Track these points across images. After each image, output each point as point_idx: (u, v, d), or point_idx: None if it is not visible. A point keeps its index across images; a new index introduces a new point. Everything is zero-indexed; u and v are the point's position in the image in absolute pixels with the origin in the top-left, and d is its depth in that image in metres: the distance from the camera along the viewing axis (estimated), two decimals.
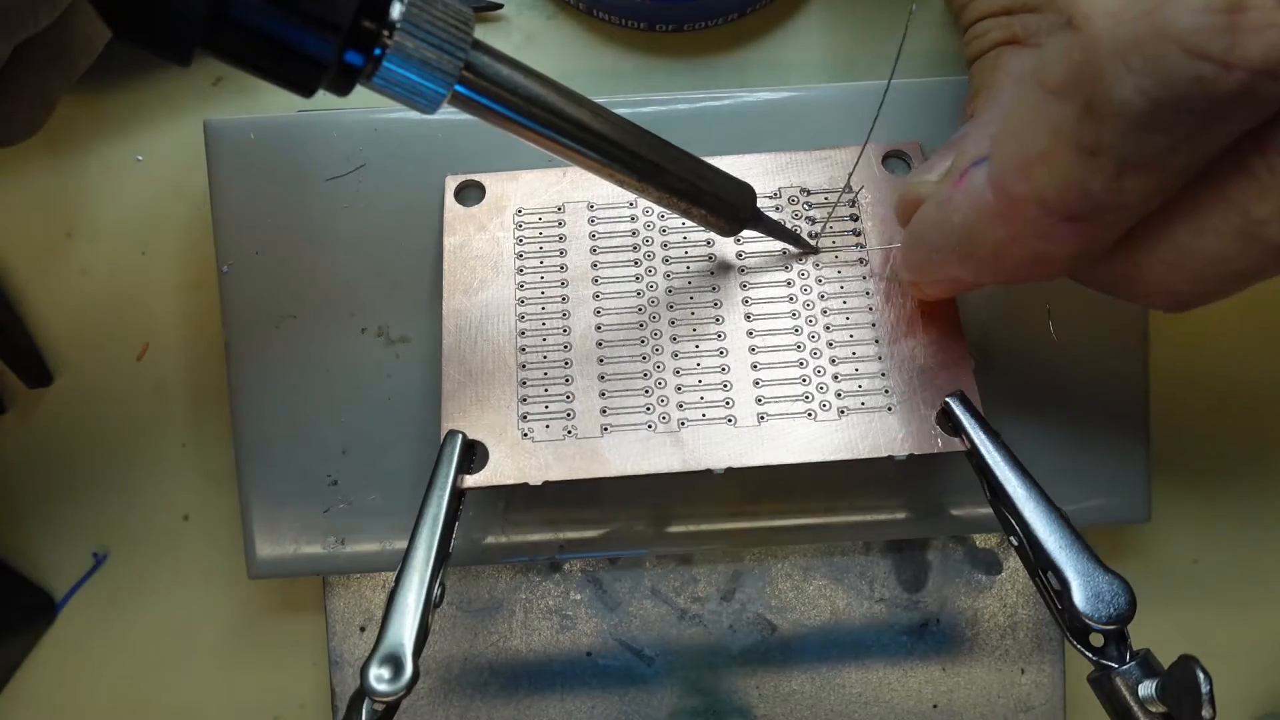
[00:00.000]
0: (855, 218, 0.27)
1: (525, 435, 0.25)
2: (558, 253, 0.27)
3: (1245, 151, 0.17)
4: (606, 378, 0.25)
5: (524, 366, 0.26)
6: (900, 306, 0.26)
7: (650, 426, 0.25)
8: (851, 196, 0.28)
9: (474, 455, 0.25)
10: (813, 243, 0.27)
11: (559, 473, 0.24)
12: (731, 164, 0.27)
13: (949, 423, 0.25)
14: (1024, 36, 0.23)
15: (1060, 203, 0.19)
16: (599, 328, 0.26)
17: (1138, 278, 0.20)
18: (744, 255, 0.27)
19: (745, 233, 0.26)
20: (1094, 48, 0.17)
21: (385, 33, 0.18)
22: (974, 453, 0.24)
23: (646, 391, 0.25)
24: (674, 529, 0.29)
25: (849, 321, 0.26)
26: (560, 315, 0.26)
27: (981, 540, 0.31)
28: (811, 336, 0.26)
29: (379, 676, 0.21)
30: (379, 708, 0.21)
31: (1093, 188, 0.18)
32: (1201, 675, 0.19)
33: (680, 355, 0.26)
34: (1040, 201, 0.19)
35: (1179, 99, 0.16)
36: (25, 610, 0.32)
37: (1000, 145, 0.19)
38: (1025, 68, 0.23)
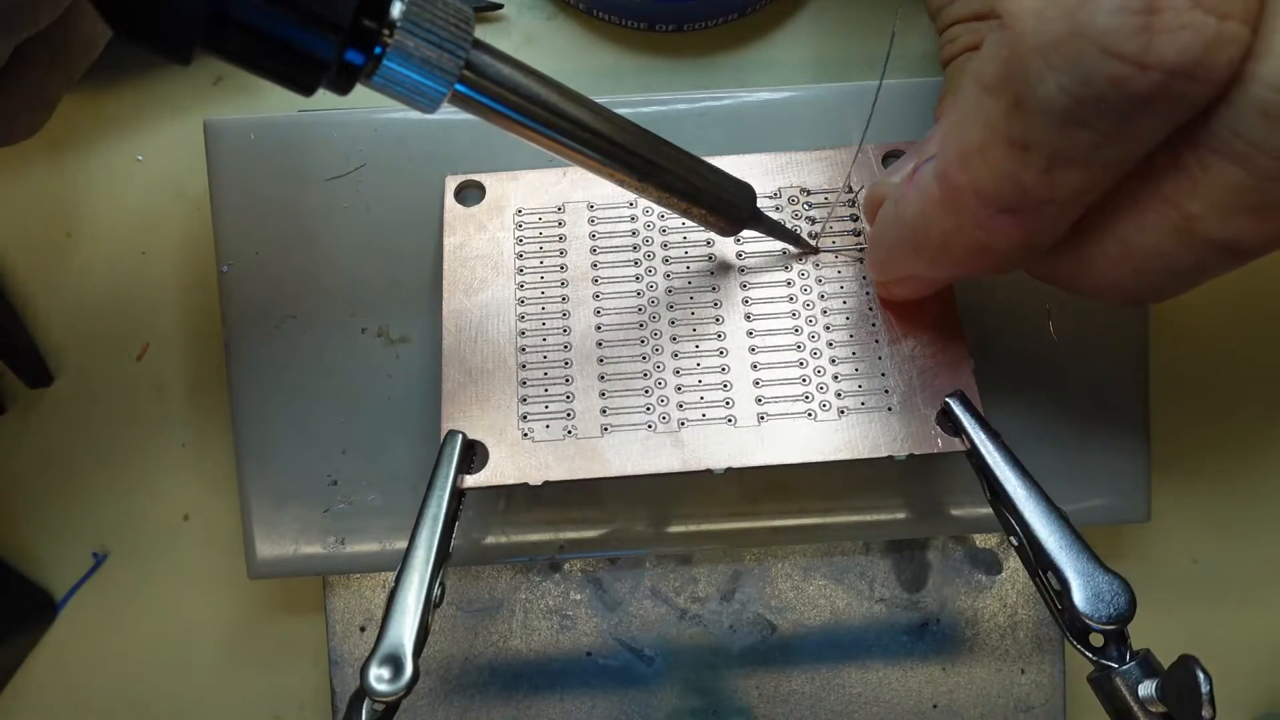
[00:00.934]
0: (855, 218, 0.27)
1: (525, 435, 0.25)
2: (558, 253, 0.27)
3: (1178, 147, 0.18)
4: (606, 378, 0.25)
5: (524, 366, 0.26)
6: (900, 306, 0.26)
7: (650, 426, 0.25)
8: (851, 197, 0.28)
9: (474, 455, 0.25)
10: (813, 243, 0.27)
11: (559, 473, 0.24)
12: (731, 164, 0.27)
13: (949, 423, 0.25)
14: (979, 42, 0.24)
15: (996, 194, 0.19)
16: (599, 328, 0.26)
17: (1086, 272, 0.21)
18: (744, 255, 0.27)
19: (745, 233, 0.26)
20: (1019, 45, 0.17)
21: (385, 31, 0.18)
22: (974, 453, 0.24)
23: (646, 391, 0.25)
24: (674, 529, 0.29)
25: (849, 321, 0.26)
26: (560, 315, 0.26)
27: (981, 540, 0.31)
28: (811, 336, 0.26)
29: (379, 676, 0.21)
30: (379, 708, 0.21)
31: (1025, 181, 0.18)
32: (1201, 675, 0.19)
33: (680, 355, 0.26)
34: (978, 193, 0.19)
35: (1097, 97, 0.16)
36: (25, 610, 0.32)
37: (944, 139, 0.20)
38: None
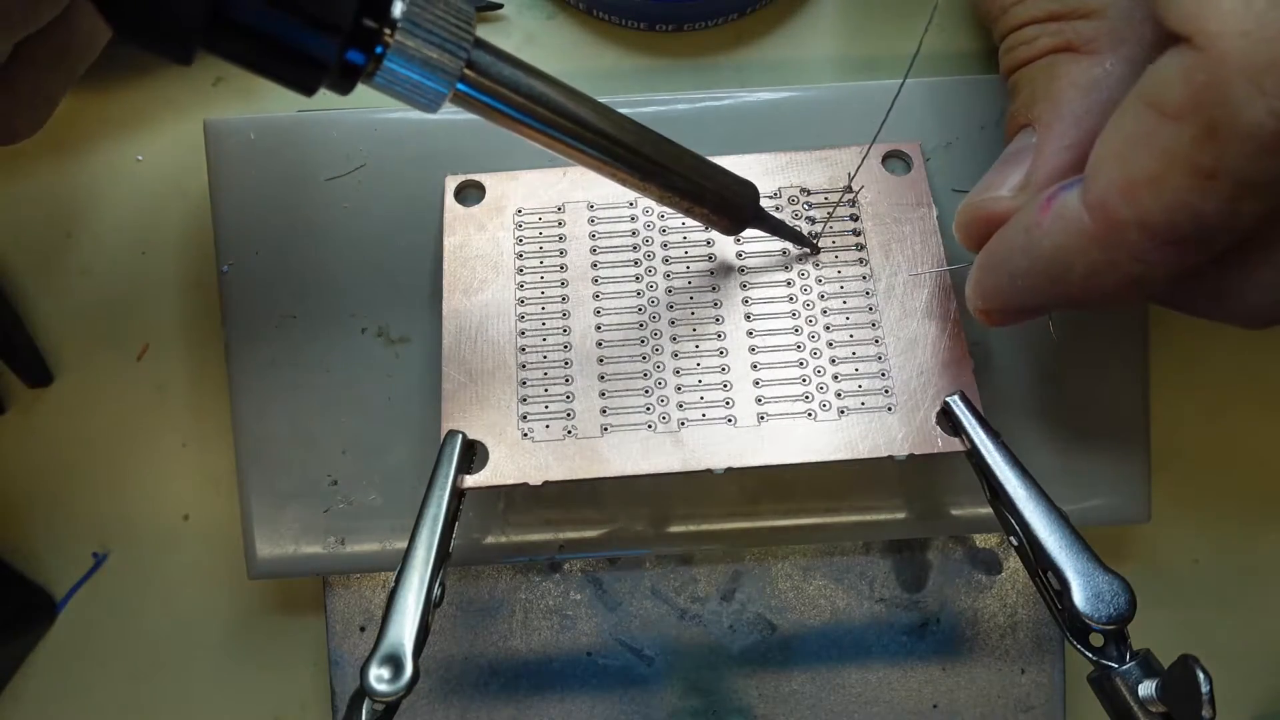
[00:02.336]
0: (855, 218, 0.27)
1: (525, 435, 0.25)
2: (558, 253, 0.27)
3: None
4: (606, 378, 0.25)
5: (524, 366, 0.26)
6: (900, 306, 0.26)
7: (650, 426, 0.25)
8: (851, 197, 0.28)
9: (474, 455, 0.25)
10: (815, 242, 0.27)
11: (559, 473, 0.24)
12: (731, 164, 0.27)
13: (949, 423, 0.25)
14: (1079, 44, 0.23)
15: (1167, 226, 0.18)
16: (599, 328, 0.26)
17: (1229, 297, 0.20)
18: (744, 255, 0.27)
19: (746, 232, 0.26)
20: (1221, 68, 0.16)
21: (387, 31, 0.18)
22: (974, 453, 0.24)
23: (646, 391, 0.25)
24: (674, 529, 0.29)
25: (849, 321, 0.26)
26: (560, 315, 0.26)
27: (981, 540, 0.31)
28: (811, 336, 0.26)
29: (379, 676, 0.21)
30: (379, 708, 0.21)
31: (1204, 211, 0.17)
32: (1201, 675, 0.19)
33: (680, 355, 0.26)
34: (1143, 225, 0.18)
35: None
36: (26, 610, 0.32)
37: (1101, 168, 0.19)
38: (1090, 77, 0.22)
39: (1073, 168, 0.22)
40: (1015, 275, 0.22)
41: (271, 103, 0.32)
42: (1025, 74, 0.24)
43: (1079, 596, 0.21)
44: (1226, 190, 0.17)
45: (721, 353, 0.26)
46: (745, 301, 0.26)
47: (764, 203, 0.27)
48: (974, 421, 0.24)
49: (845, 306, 0.26)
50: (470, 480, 0.24)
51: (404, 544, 0.23)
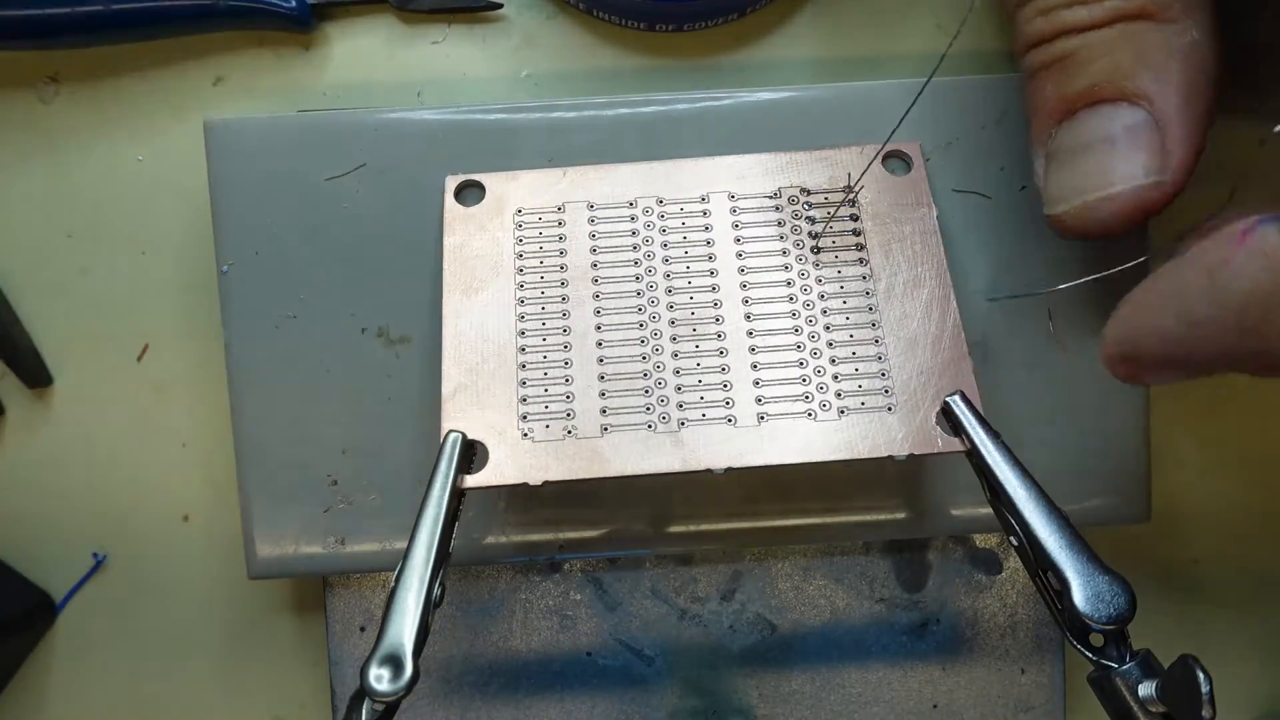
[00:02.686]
0: (855, 218, 0.27)
1: (525, 435, 0.25)
2: (558, 253, 0.27)
3: None
4: (606, 378, 0.25)
5: (524, 366, 0.26)
6: (900, 306, 0.26)
7: (650, 426, 0.25)
8: (852, 196, 0.28)
9: (474, 455, 0.25)
10: None
11: (559, 473, 0.24)
12: (731, 164, 0.27)
13: (949, 423, 0.25)
14: (1156, 10, 0.20)
15: None
16: (599, 328, 0.26)
17: None
18: (744, 255, 0.27)
19: (745, 231, 0.26)
20: None
21: None
22: (974, 453, 0.24)
23: (646, 391, 0.25)
24: (674, 529, 0.29)
25: (849, 321, 0.26)
26: (560, 315, 0.26)
27: (981, 540, 0.31)
28: (811, 336, 0.26)
29: (379, 676, 0.21)
30: (379, 708, 0.21)
31: None
32: (1201, 675, 0.19)
33: (680, 355, 0.26)
34: None
35: None
36: (26, 611, 0.32)
37: None
38: (1184, 46, 0.20)
39: (1203, 149, 0.20)
40: (1191, 323, 0.19)
41: (271, 103, 0.32)
42: (1090, 42, 0.21)
43: (1079, 596, 0.21)
44: None
45: (721, 353, 0.26)
46: (745, 301, 0.26)
47: (764, 202, 0.27)
48: (974, 421, 0.24)
49: (845, 306, 0.26)
50: (470, 480, 0.24)
51: (404, 544, 0.23)
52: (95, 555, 0.33)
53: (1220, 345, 0.19)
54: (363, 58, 0.31)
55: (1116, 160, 0.21)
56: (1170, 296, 0.19)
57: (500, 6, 0.32)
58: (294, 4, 0.30)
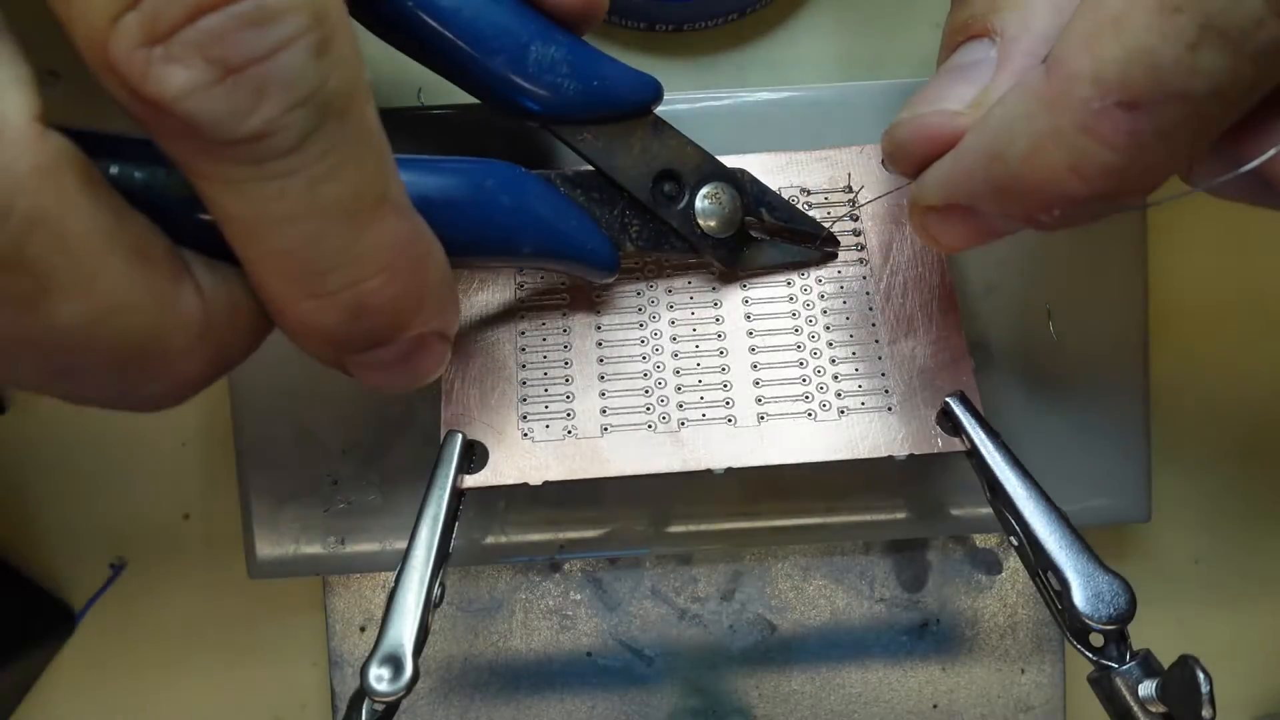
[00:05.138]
0: (855, 218, 0.27)
1: (525, 435, 0.25)
2: None
3: None
4: (606, 378, 0.25)
5: (524, 366, 0.26)
6: (900, 306, 0.26)
7: (650, 426, 0.25)
8: (851, 196, 0.28)
9: (474, 455, 0.25)
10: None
11: (559, 473, 0.24)
12: (732, 164, 0.27)
13: (949, 423, 0.25)
14: None
15: (1119, 79, 0.16)
16: (599, 327, 0.26)
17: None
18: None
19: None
20: None
21: None
22: (974, 453, 0.24)
23: (646, 391, 0.25)
24: (674, 529, 0.29)
25: (849, 321, 0.26)
26: (560, 315, 0.26)
27: (981, 540, 0.31)
28: (811, 336, 0.26)
29: (379, 676, 0.21)
30: (379, 708, 0.21)
31: (1162, 60, 0.15)
32: (1201, 675, 0.19)
33: (680, 355, 0.26)
34: (1097, 78, 0.16)
35: None
36: (44, 623, 0.32)
37: (1075, 19, 0.17)
38: None
39: None
40: (956, 156, 0.19)
41: None
42: None
43: (1079, 596, 0.21)
44: (1189, 32, 0.15)
45: (721, 353, 0.26)
46: (745, 301, 0.26)
47: None
48: (974, 421, 0.24)
49: (845, 306, 0.26)
50: (470, 480, 0.24)
51: (404, 544, 0.23)
52: (113, 565, 0.33)
53: (971, 177, 0.19)
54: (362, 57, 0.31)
55: (946, 86, 0.20)
56: (934, 140, 0.20)
57: (835, 248, 0.29)
58: None
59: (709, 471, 0.24)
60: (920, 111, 0.20)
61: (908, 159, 0.21)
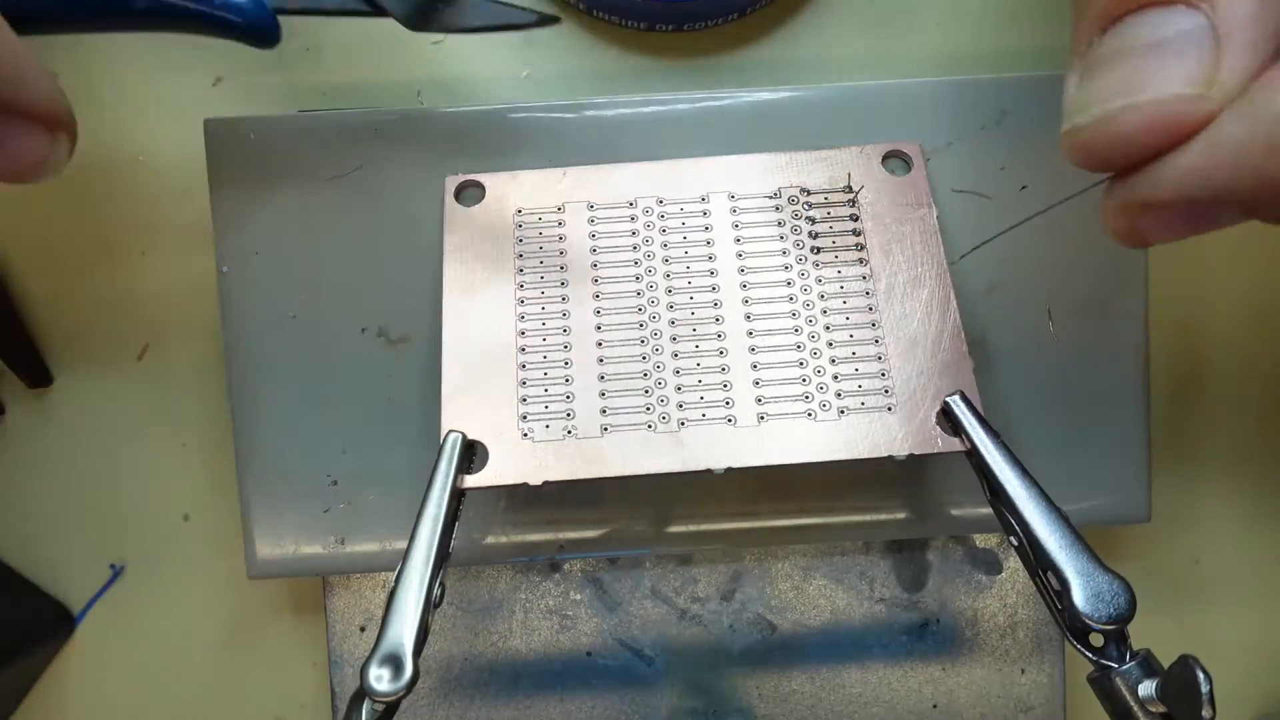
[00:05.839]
0: (855, 218, 0.27)
1: (525, 435, 0.25)
2: (558, 253, 0.27)
3: None
4: (606, 378, 0.25)
5: (524, 366, 0.26)
6: (900, 306, 0.26)
7: (650, 426, 0.25)
8: (851, 196, 0.28)
9: (474, 455, 0.25)
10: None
11: (559, 473, 0.24)
12: (731, 164, 0.27)
13: (949, 423, 0.25)
14: None
15: None
16: (599, 328, 0.26)
17: None
18: (744, 255, 0.27)
19: (745, 232, 0.26)
20: None
21: None
22: (974, 453, 0.24)
23: (646, 391, 0.25)
24: (674, 529, 0.29)
25: (849, 321, 0.26)
26: (560, 315, 0.26)
27: (981, 540, 0.31)
28: (811, 336, 0.26)
29: (379, 676, 0.21)
30: (379, 708, 0.21)
31: None
32: (1201, 675, 0.19)
33: (680, 355, 0.26)
34: None
35: None
36: (44, 623, 0.32)
37: None
38: None
39: (1273, 57, 0.17)
40: (1224, 145, 0.16)
41: (271, 103, 0.32)
42: None
43: (1079, 596, 0.21)
44: None
45: (721, 353, 0.26)
46: (745, 301, 0.26)
47: (764, 202, 0.27)
48: (974, 421, 0.24)
49: (845, 306, 0.26)
50: (470, 480, 0.24)
51: (404, 544, 0.23)
52: (113, 566, 0.33)
53: (1247, 168, 0.16)
54: (363, 58, 0.31)
55: (1156, 66, 0.17)
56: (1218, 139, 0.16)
57: (558, 21, 0.28)
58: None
59: (709, 471, 0.24)
60: (1145, 99, 0.17)
61: (1130, 153, 0.18)
